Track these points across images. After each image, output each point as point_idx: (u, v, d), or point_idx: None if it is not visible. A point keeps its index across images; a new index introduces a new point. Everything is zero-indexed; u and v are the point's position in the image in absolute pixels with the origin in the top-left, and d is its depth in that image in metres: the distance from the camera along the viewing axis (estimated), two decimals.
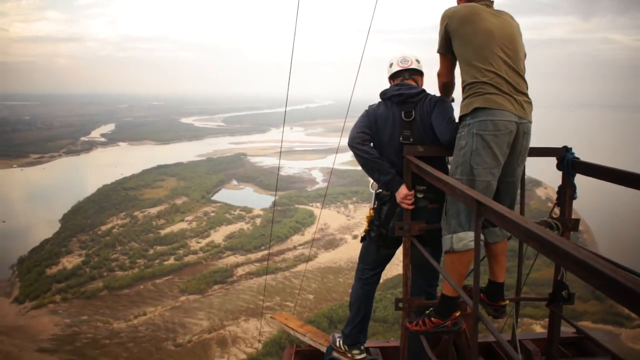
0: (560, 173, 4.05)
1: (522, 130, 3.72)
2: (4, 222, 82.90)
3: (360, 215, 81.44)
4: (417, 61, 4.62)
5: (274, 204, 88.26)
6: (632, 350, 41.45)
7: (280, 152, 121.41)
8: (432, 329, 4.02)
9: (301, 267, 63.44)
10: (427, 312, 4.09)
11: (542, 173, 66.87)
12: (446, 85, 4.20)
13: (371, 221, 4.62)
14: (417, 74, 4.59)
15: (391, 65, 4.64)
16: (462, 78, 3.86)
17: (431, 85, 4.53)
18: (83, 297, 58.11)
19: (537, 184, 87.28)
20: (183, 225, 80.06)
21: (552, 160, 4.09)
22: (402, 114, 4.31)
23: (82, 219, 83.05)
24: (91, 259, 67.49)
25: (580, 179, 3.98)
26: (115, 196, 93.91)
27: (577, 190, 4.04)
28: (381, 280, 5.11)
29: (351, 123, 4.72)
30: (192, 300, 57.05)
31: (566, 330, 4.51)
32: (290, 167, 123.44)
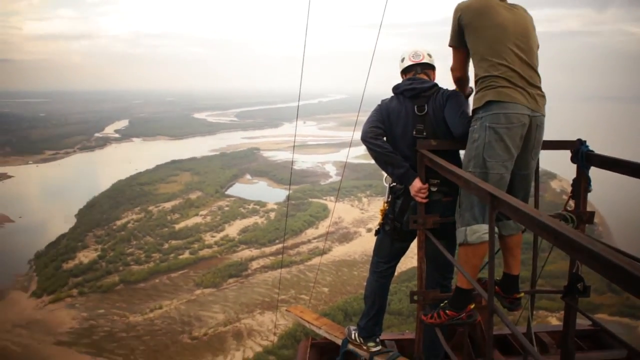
0: (574, 166, 4.04)
1: (535, 124, 3.72)
2: (20, 217, 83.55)
3: (374, 208, 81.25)
4: (429, 55, 4.63)
5: (288, 197, 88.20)
6: None
7: (294, 146, 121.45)
8: (446, 322, 4.02)
9: (316, 260, 63.40)
10: (441, 304, 4.10)
11: (557, 165, 66.23)
12: (460, 80, 4.20)
13: (385, 215, 4.64)
14: (429, 68, 4.60)
15: (403, 59, 4.65)
16: (475, 72, 3.86)
17: (443, 79, 4.54)
18: (99, 291, 58.40)
19: (552, 176, 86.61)
20: (197, 219, 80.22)
21: (567, 153, 4.08)
22: (415, 108, 4.32)
23: (97, 214, 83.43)
24: (107, 254, 67.76)
25: (595, 171, 3.97)
26: (130, 191, 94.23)
27: (592, 183, 4.03)
28: (396, 273, 5.11)
29: (364, 117, 4.72)
30: (207, 294, 57.21)
31: (582, 322, 4.51)
32: (304, 161, 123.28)
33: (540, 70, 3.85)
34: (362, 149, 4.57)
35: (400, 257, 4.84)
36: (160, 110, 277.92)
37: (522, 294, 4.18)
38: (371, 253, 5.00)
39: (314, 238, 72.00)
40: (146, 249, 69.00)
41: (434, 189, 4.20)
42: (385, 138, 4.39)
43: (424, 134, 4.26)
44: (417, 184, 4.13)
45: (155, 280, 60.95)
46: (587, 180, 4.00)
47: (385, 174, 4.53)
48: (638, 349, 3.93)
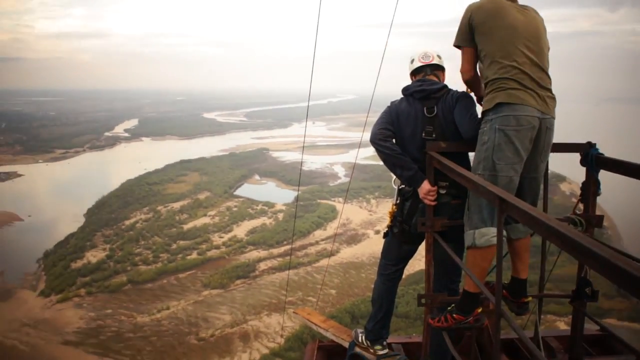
0: (584, 168, 4.02)
1: (544, 126, 3.71)
2: (30, 216, 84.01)
3: (382, 210, 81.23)
4: (439, 56, 4.62)
5: (297, 198, 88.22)
6: None
7: (303, 146, 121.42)
8: (454, 325, 4.01)
9: (323, 262, 63.40)
10: (449, 308, 4.08)
11: (566, 168, 66.04)
12: (471, 81, 4.15)
13: (394, 217, 4.62)
14: (438, 69, 4.60)
15: (412, 61, 4.64)
16: (485, 74, 3.85)
17: (453, 80, 4.52)
18: (107, 291, 58.64)
19: (561, 178, 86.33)
20: (206, 220, 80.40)
21: (577, 155, 4.07)
22: (425, 110, 4.31)
23: (106, 213, 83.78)
24: (115, 253, 68.03)
25: (605, 174, 3.95)
26: (139, 191, 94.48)
27: (601, 186, 4.02)
28: (403, 276, 5.10)
29: (373, 118, 4.71)
30: (214, 295, 57.32)
31: (590, 327, 4.48)
32: (313, 162, 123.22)
33: (550, 71, 3.83)
34: (371, 150, 4.56)
35: (408, 259, 4.83)
36: (170, 109, 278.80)
37: (530, 298, 4.16)
38: (379, 255, 4.99)
39: (322, 239, 72.02)
40: (154, 249, 69.21)
41: (442, 191, 4.19)
42: (394, 140, 4.38)
43: (433, 135, 4.25)
44: (425, 186, 4.11)
45: (163, 280, 61.13)
46: (597, 184, 3.99)
47: (394, 176, 4.52)
48: None
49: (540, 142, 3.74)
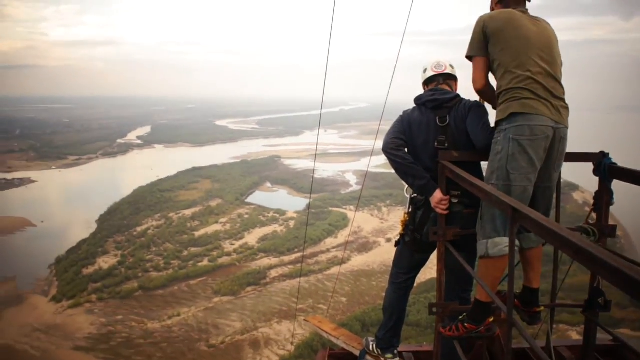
0: (596, 176, 4.01)
1: (558, 136, 3.70)
2: (42, 222, 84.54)
3: (393, 218, 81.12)
4: (451, 66, 4.62)
5: (308, 206, 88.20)
6: None
7: (316, 154, 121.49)
8: (465, 335, 3.99)
9: (334, 270, 63.39)
10: (460, 317, 4.07)
11: (579, 176, 65.66)
12: (483, 91, 4.11)
13: (406, 225, 4.62)
14: (451, 79, 4.60)
15: (425, 70, 4.65)
16: (498, 84, 3.85)
17: (465, 89, 4.52)
18: (118, 297, 58.87)
19: (574, 187, 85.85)
20: (217, 227, 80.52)
21: (589, 164, 4.05)
22: (437, 119, 4.31)
23: (118, 220, 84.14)
24: (127, 260, 68.29)
25: (618, 183, 3.93)
26: (151, 198, 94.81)
27: (615, 196, 4.00)
28: (415, 284, 5.10)
29: (385, 126, 4.72)
30: (225, 302, 57.37)
31: (603, 337, 4.45)
32: (324, 169, 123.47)
33: (563, 79, 3.83)
34: (383, 158, 4.57)
35: (420, 268, 4.83)
36: (183, 117, 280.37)
37: (542, 308, 4.14)
38: (390, 263, 4.99)
39: (333, 247, 72.01)
40: (165, 255, 69.40)
41: (454, 200, 4.18)
42: (406, 149, 4.39)
43: (446, 145, 4.25)
44: (438, 195, 4.11)
45: (174, 287, 61.28)
46: (610, 194, 3.97)
47: (406, 185, 4.52)
48: None
49: (554, 151, 3.73)
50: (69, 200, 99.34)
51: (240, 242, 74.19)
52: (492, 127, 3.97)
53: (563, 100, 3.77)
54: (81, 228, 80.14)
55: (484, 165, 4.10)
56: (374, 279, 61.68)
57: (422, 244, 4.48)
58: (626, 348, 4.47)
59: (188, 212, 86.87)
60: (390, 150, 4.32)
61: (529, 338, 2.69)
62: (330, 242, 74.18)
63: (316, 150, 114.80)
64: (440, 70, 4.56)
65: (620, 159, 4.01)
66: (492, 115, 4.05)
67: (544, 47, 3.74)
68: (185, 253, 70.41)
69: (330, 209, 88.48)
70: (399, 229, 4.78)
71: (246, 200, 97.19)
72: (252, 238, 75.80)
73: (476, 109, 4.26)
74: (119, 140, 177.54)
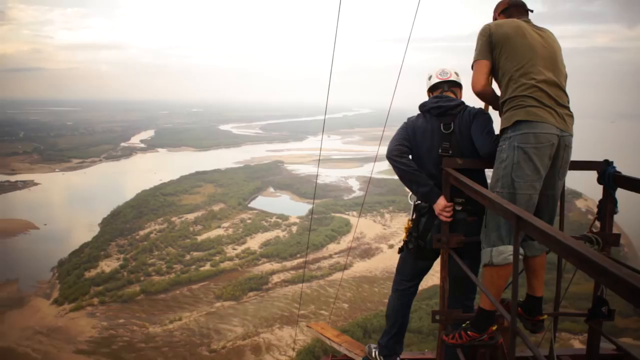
0: (600, 184, 4.00)
1: (563, 143, 3.71)
2: (45, 225, 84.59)
3: (396, 224, 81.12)
4: (456, 74, 4.63)
5: (311, 212, 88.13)
6: None
7: (319, 159, 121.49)
8: (468, 343, 3.99)
9: (336, 275, 63.30)
10: (463, 325, 4.07)
11: (582, 184, 65.65)
12: (482, 93, 4.07)
13: (409, 232, 4.62)
14: (456, 86, 4.60)
15: (430, 77, 4.65)
16: (502, 92, 3.85)
17: (470, 97, 4.52)
18: (120, 300, 58.85)
19: (577, 195, 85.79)
20: (219, 231, 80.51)
21: (593, 172, 4.05)
22: (441, 126, 4.31)
23: (120, 223, 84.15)
24: (129, 263, 68.28)
25: (622, 191, 3.92)
26: (154, 201, 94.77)
27: (619, 204, 3.99)
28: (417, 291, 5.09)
29: (389, 132, 4.72)
30: (227, 307, 57.32)
31: (606, 346, 4.44)
32: (327, 175, 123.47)
33: (567, 87, 3.84)
34: (386, 164, 4.57)
35: (423, 275, 4.82)
36: (186, 121, 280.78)
37: (545, 316, 4.13)
38: (392, 270, 5.00)
39: (336, 253, 71.93)
40: (168, 259, 69.38)
41: (458, 207, 4.19)
42: (410, 156, 4.39)
43: (450, 152, 4.25)
44: (441, 202, 4.11)
45: (176, 291, 61.24)
46: (614, 202, 3.96)
47: (410, 192, 4.52)
48: None
49: (559, 159, 3.73)
50: (72, 203, 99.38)
51: (243, 247, 74.12)
52: (497, 135, 3.97)
53: (568, 108, 3.78)
54: (84, 231, 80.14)
55: (488, 172, 4.10)
56: (376, 285, 61.59)
57: (425, 251, 4.47)
58: (629, 357, 4.45)
59: (191, 217, 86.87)
60: (394, 157, 4.33)
61: (532, 346, 2.69)
62: (332, 247, 74.07)
63: (319, 155, 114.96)
64: (445, 78, 4.57)
65: (623, 167, 4.01)
66: (497, 123, 4.04)
67: (549, 56, 3.76)
68: (188, 257, 70.37)
69: (333, 214, 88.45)
70: (401, 235, 4.78)
71: (249, 205, 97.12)
72: (254, 243, 75.74)
73: (481, 116, 4.26)
74: (122, 144, 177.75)
